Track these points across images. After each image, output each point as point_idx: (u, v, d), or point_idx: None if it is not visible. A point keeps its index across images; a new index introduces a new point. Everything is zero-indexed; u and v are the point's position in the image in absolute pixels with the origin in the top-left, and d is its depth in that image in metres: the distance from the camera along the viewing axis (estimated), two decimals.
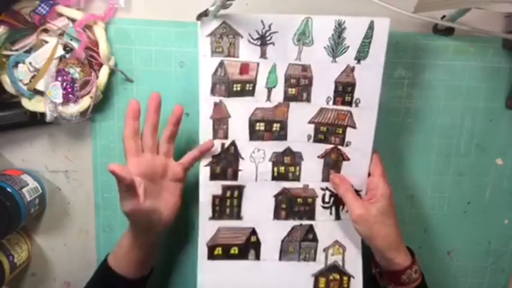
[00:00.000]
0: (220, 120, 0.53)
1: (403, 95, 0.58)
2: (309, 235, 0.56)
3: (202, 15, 0.53)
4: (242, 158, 0.55)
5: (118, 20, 0.55)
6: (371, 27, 0.50)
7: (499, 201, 0.60)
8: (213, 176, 0.54)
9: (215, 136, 0.54)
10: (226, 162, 0.54)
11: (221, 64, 0.52)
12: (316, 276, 0.57)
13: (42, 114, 0.54)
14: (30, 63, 0.52)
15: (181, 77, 0.57)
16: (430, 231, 0.61)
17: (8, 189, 0.53)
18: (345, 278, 0.56)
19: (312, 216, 0.56)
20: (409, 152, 0.59)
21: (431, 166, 0.59)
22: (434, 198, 0.60)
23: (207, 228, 0.55)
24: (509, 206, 0.61)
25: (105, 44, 0.53)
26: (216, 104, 0.53)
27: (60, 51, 0.52)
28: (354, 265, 0.57)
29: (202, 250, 0.55)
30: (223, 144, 0.54)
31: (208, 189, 0.54)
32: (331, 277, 0.56)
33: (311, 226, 0.56)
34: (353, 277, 0.57)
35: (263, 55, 0.52)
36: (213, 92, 0.53)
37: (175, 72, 0.57)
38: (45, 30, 0.52)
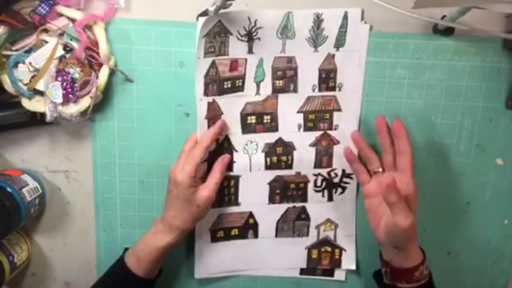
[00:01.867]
0: (214, 119, 0.56)
1: (403, 95, 0.58)
2: (302, 215, 0.60)
3: (202, 15, 0.53)
4: (236, 151, 0.58)
5: (118, 20, 0.55)
6: (345, 17, 0.54)
7: (499, 201, 0.60)
8: (210, 169, 0.56)
9: None
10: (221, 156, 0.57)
11: (213, 64, 0.54)
12: (309, 249, 0.61)
13: (42, 114, 0.54)
14: (30, 63, 0.52)
15: (181, 77, 0.57)
16: (430, 231, 0.61)
17: (8, 189, 0.53)
18: (337, 251, 0.61)
19: (304, 199, 0.60)
20: None
21: (431, 166, 0.59)
22: (434, 198, 0.60)
23: (209, 215, 0.57)
24: (509, 206, 0.60)
25: (105, 44, 0.53)
26: (209, 104, 0.55)
27: (60, 51, 0.52)
28: (346, 240, 0.61)
29: (205, 235, 0.59)
30: (217, 140, 0.57)
31: None
32: (323, 249, 0.61)
33: (303, 207, 0.60)
34: (345, 250, 0.60)
35: (250, 50, 0.55)
36: (206, 92, 0.55)
37: (175, 72, 0.57)
38: (45, 30, 0.52)
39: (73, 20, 0.53)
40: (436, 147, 0.59)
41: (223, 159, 0.56)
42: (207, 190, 0.53)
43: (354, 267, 0.61)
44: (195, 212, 0.53)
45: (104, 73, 0.54)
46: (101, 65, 0.54)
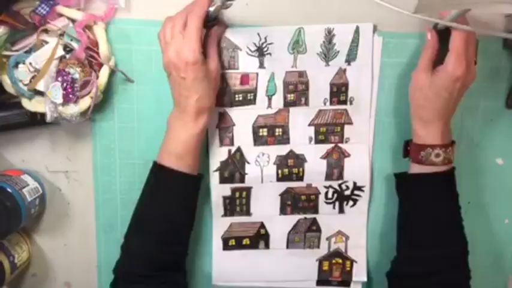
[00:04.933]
0: (225, 129, 0.57)
1: (403, 95, 0.57)
2: (313, 227, 0.60)
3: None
4: (248, 163, 0.58)
5: (118, 20, 0.55)
6: (357, 32, 0.55)
7: (500, 201, 0.60)
8: (222, 180, 0.59)
9: (222, 143, 0.58)
10: (233, 167, 0.58)
11: (223, 76, 0.55)
12: (320, 261, 0.61)
13: (43, 115, 0.53)
14: (30, 63, 0.52)
15: None
16: None
17: (9, 190, 0.53)
18: (348, 263, 0.61)
19: (315, 211, 0.60)
20: None
21: None
22: None
23: (220, 224, 0.60)
24: (509, 206, 0.60)
25: (105, 44, 0.53)
26: (220, 115, 0.57)
27: (60, 52, 0.52)
28: (357, 252, 0.61)
29: (217, 242, 0.60)
30: (229, 151, 0.58)
31: (218, 191, 0.59)
32: (333, 261, 0.61)
33: (314, 219, 0.60)
34: (356, 262, 0.61)
35: (261, 65, 0.56)
36: (217, 103, 0.55)
37: None
38: (46, 31, 0.52)
39: (73, 20, 0.53)
40: None
41: (215, 30, 0.54)
42: (214, 61, 0.52)
43: (365, 279, 0.61)
44: (214, 85, 0.52)
45: (104, 73, 0.54)
46: (101, 65, 0.54)
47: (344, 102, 0.57)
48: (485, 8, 0.45)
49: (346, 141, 0.58)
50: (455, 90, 0.50)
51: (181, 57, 0.49)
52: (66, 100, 0.53)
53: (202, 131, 0.52)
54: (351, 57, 0.56)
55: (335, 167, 0.58)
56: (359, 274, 0.61)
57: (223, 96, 0.56)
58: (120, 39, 0.56)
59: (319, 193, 0.59)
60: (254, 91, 0.57)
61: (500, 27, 0.56)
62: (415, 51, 0.56)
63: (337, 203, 0.60)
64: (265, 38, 0.55)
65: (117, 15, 0.55)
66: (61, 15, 0.53)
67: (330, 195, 0.59)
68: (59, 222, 0.61)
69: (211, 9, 0.50)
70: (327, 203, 0.60)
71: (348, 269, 0.61)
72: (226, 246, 0.60)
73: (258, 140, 0.58)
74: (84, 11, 0.54)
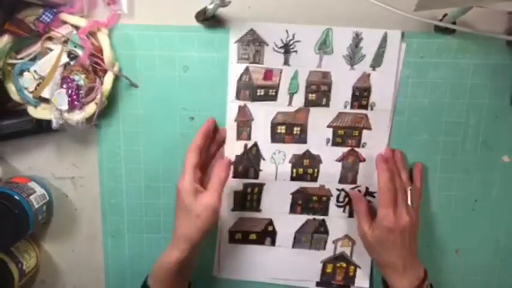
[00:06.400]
0: (244, 123, 0.57)
1: (408, 94, 0.57)
2: (321, 228, 0.60)
3: (201, 13, 0.54)
4: (263, 159, 0.58)
5: (121, 26, 0.55)
6: (384, 38, 0.55)
7: (507, 198, 0.60)
8: (236, 174, 0.58)
9: (239, 137, 0.58)
10: (248, 162, 0.58)
11: (246, 70, 0.56)
12: (324, 263, 0.61)
13: (48, 122, 0.54)
14: (35, 71, 0.52)
15: (185, 81, 0.57)
16: (438, 229, 0.61)
17: (16, 197, 0.53)
18: (351, 267, 0.61)
19: (325, 213, 0.60)
20: (415, 151, 0.59)
21: (437, 164, 0.59)
22: (442, 197, 0.60)
23: (228, 217, 0.60)
24: None
25: (109, 50, 0.54)
26: (240, 108, 0.57)
27: (64, 59, 0.53)
28: (362, 258, 0.61)
29: (224, 235, 0.61)
30: (246, 145, 0.58)
31: (230, 185, 0.58)
32: (338, 264, 0.61)
33: (323, 220, 0.60)
34: (359, 267, 0.61)
35: (286, 62, 0.56)
36: (237, 96, 0.57)
37: (179, 76, 0.57)
38: (50, 38, 0.53)
39: (77, 27, 0.53)
40: (442, 145, 0.59)
41: (223, 162, 0.53)
42: (207, 197, 0.49)
43: (367, 285, 0.61)
44: (197, 222, 0.49)
45: (108, 79, 0.54)
46: (105, 71, 0.54)
47: (365, 107, 0.57)
48: (487, 5, 0.45)
49: (363, 146, 0.58)
50: (397, 239, 0.51)
51: (178, 183, 0.51)
52: (72, 107, 0.53)
53: (178, 261, 0.49)
54: (376, 63, 0.56)
55: (349, 170, 0.58)
56: (361, 280, 0.61)
57: (245, 89, 0.56)
58: (123, 45, 0.56)
59: (331, 195, 0.59)
60: (276, 87, 0.56)
61: (503, 24, 0.56)
62: (419, 50, 0.56)
63: (347, 207, 0.59)
64: (293, 36, 0.55)
65: (121, 21, 0.55)
66: (65, 22, 0.53)
67: (341, 199, 0.59)
68: (66, 228, 0.61)
69: (210, 6, 0.50)
70: (337, 206, 0.59)
71: (352, 273, 0.61)
72: (232, 240, 0.61)
73: (275, 137, 0.58)
74: (87, 17, 0.54)
